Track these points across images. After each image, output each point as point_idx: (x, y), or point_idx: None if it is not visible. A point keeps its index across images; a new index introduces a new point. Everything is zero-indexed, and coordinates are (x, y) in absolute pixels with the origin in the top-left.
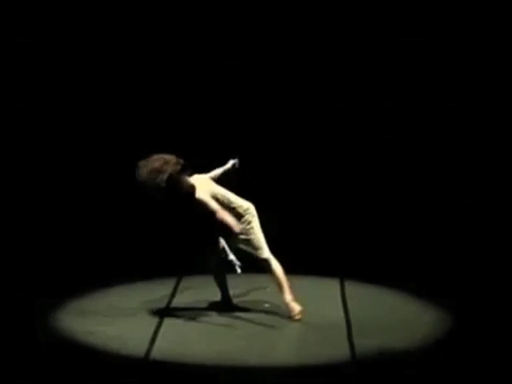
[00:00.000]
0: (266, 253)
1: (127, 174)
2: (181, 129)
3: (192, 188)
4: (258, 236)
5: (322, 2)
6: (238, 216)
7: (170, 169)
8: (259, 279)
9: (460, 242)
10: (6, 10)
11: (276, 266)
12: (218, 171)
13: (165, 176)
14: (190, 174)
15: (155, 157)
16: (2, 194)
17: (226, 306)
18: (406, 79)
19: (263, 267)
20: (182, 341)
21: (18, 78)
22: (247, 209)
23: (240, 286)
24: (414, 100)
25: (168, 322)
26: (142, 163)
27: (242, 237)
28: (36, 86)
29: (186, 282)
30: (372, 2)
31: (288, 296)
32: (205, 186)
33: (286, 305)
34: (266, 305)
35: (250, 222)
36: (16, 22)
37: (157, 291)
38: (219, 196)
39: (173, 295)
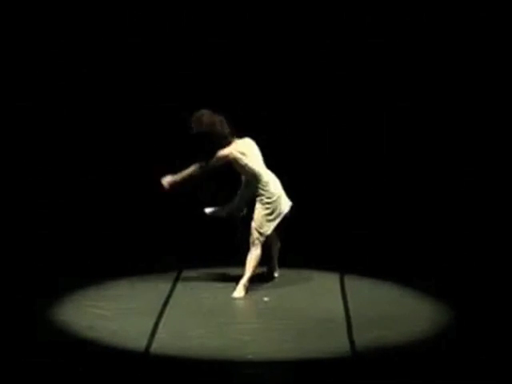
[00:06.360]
0: (257, 234)
1: (128, 171)
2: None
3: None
4: (261, 217)
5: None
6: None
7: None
8: (260, 274)
9: (459, 236)
10: (6, 10)
11: (256, 254)
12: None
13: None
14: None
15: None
16: (2, 193)
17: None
18: (406, 80)
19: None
20: (182, 335)
21: (18, 77)
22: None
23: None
24: (413, 99)
25: (168, 315)
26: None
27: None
28: (36, 85)
29: (186, 276)
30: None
31: (245, 281)
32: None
33: (238, 284)
34: (266, 299)
35: (262, 199)
36: (16, 22)
37: (157, 285)
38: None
39: (173, 289)
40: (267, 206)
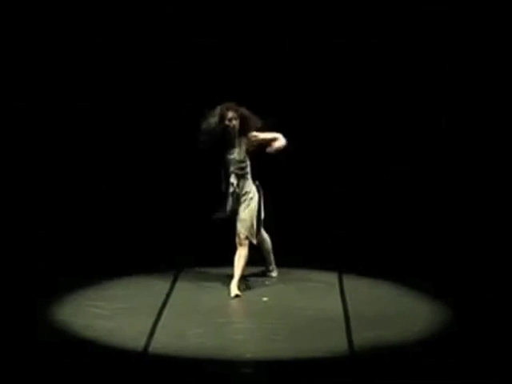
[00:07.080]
0: (246, 234)
1: (127, 171)
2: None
3: None
4: (250, 216)
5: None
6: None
7: None
8: (258, 274)
9: (457, 236)
10: (6, 10)
11: (244, 253)
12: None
13: None
14: None
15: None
16: (1, 193)
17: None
18: (406, 80)
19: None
20: (181, 334)
21: (17, 77)
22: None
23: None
24: (412, 99)
25: (167, 315)
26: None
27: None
28: (35, 85)
29: (184, 276)
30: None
31: (236, 281)
32: None
33: (230, 285)
34: (265, 299)
35: (251, 199)
36: (16, 22)
37: (155, 285)
38: None
39: (171, 289)
40: (255, 206)
